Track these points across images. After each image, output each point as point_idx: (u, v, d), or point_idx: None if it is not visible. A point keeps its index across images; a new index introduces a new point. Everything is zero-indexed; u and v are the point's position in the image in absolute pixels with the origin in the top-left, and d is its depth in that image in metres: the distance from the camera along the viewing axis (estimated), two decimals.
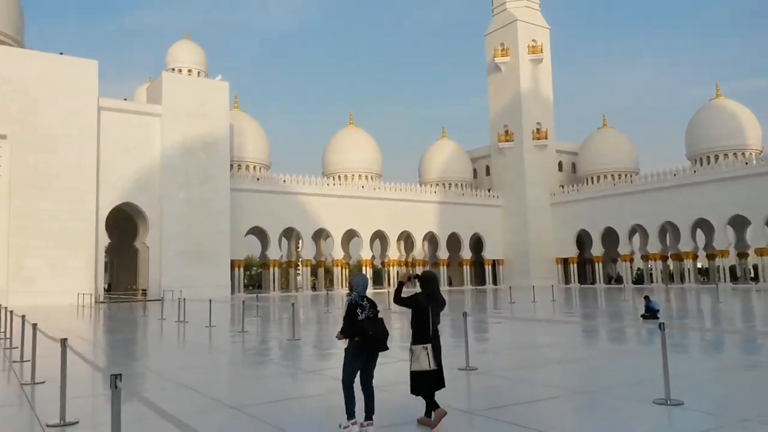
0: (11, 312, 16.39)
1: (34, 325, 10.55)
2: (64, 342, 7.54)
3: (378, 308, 6.62)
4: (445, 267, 69.34)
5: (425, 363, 6.51)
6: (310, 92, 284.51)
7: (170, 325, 21.90)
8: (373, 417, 6.42)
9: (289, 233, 65.26)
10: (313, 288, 69.96)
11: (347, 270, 67.07)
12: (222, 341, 16.88)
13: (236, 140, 60.55)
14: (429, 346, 6.58)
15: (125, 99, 55.01)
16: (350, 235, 67.26)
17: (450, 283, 70.83)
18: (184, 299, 24.46)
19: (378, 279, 76.65)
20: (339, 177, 68.89)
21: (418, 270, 68.44)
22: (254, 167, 63.87)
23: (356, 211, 63.45)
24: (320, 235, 66.18)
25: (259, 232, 61.00)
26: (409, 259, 71.00)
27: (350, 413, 6.33)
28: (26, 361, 11.79)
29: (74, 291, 42.89)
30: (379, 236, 67.97)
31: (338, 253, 63.97)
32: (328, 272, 71.57)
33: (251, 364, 12.80)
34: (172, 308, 27.88)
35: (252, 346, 15.70)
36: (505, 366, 11.55)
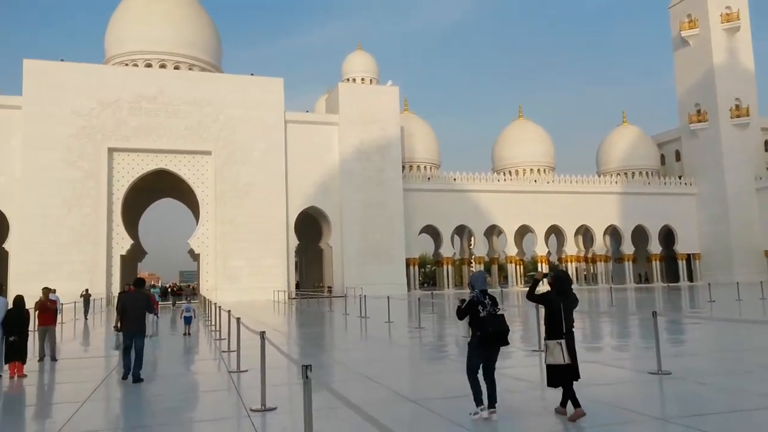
0: (219, 307, 18.55)
1: (238, 319, 11.85)
2: (263, 335, 8.37)
3: (499, 304, 7.05)
4: (630, 263, 64.52)
5: (559, 357, 6.83)
6: (477, 88, 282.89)
7: (353, 320, 23.21)
8: (496, 405, 6.85)
9: (461, 231, 65.49)
10: (487, 284, 69.34)
11: (521, 267, 65.49)
12: (400, 336, 17.47)
13: (407, 142, 62.34)
14: (562, 341, 6.88)
15: (307, 111, 59.53)
16: (523, 231, 65.61)
17: (645, 280, 65.75)
18: (365, 296, 25.77)
19: None
20: (510, 172, 67.56)
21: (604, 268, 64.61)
22: (425, 167, 65.21)
23: (529, 206, 61.73)
24: (492, 231, 65.45)
25: (431, 231, 62.11)
26: (589, 255, 67.26)
27: (478, 401, 6.86)
28: (232, 351, 13.27)
29: (270, 288, 47.55)
30: (555, 231, 65.35)
31: (511, 250, 62.66)
32: (502, 269, 70.52)
33: (429, 359, 13.07)
34: (354, 304, 29.52)
35: (429, 342, 16.02)
36: (704, 371, 10.41)
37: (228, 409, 8.36)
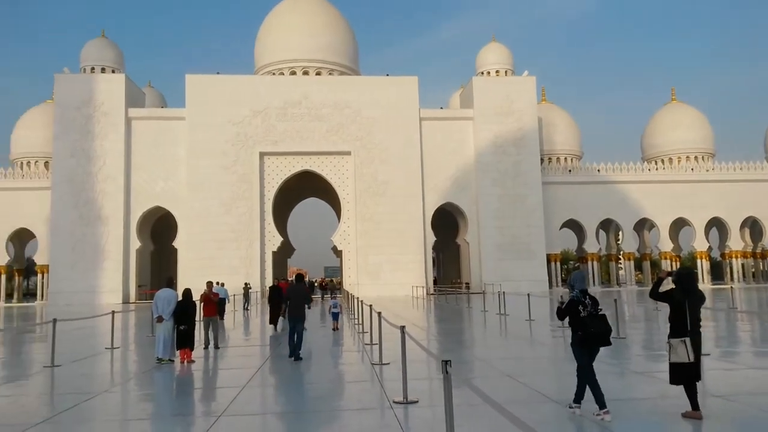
0: (362, 302, 19.24)
1: (379, 314, 12.22)
2: (403, 329, 8.56)
3: (600, 305, 7.10)
4: None
5: (683, 355, 6.76)
6: (621, 72, 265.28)
7: (492, 317, 22.91)
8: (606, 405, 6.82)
9: (608, 225, 61.88)
10: (639, 283, 64.91)
11: (677, 262, 60.42)
12: (542, 335, 16.95)
13: (545, 133, 60.10)
14: (687, 339, 6.80)
15: (441, 107, 59.68)
16: (679, 225, 60.48)
17: None
18: (503, 292, 25.31)
19: (717, 273, 67.13)
20: (662, 160, 62.55)
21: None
22: (565, 158, 62.46)
23: (685, 197, 56.80)
24: (643, 225, 61.11)
25: (574, 225, 59.37)
26: (758, 250, 60.37)
27: (579, 396, 7.11)
28: (374, 344, 13.71)
29: (408, 284, 48.46)
30: (716, 224, 59.49)
31: (666, 245, 58.08)
32: (655, 265, 65.48)
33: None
34: (493, 301, 29.12)
35: None
36: None
37: (372, 399, 8.65)
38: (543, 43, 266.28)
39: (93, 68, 54.52)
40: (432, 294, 48.32)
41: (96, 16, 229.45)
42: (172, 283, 13.35)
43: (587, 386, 7.02)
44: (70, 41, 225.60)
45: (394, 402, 7.98)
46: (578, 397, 7.14)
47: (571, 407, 7.20)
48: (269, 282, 49.92)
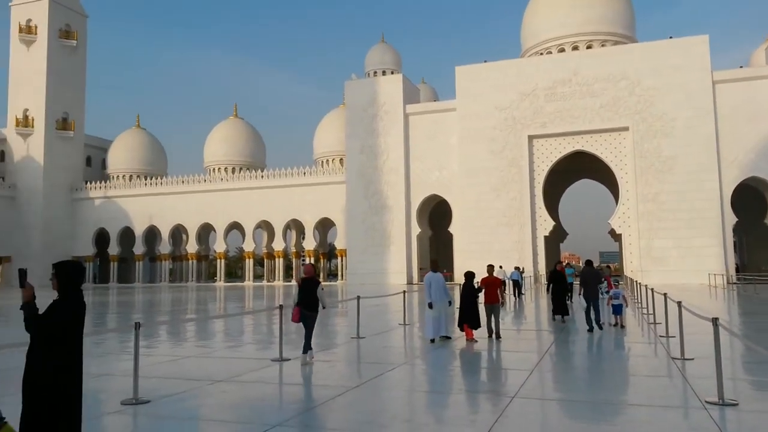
0: (652, 290, 17.57)
1: (679, 303, 10.96)
2: (715, 321, 7.51)
3: None
4: None
5: None
6: None
7: None
8: None
9: None
10: None
11: None
12: None
13: None
14: None
15: (741, 66, 51.07)
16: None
17: None
18: None
19: None
20: None
21: None
22: None
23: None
24: None
25: None
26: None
27: None
28: (671, 336, 12.39)
29: (703, 271, 42.79)
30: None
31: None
32: None
33: None
34: None
35: None
36: None
37: (677, 397, 7.81)
38: None
39: (375, 72, 60.38)
40: (734, 283, 42.01)
41: (375, 25, 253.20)
42: (437, 266, 14.07)
43: None
44: (355, 48, 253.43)
45: (707, 402, 7.05)
46: None
47: None
48: (542, 267, 49.21)
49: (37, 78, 66.40)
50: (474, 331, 13.28)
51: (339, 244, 60.08)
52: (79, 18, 70.98)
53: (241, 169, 70.96)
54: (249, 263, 64.97)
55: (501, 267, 27.59)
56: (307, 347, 10.39)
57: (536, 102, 50.72)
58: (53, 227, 65.90)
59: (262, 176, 63.24)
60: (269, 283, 61.72)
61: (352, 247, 55.76)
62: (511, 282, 28.98)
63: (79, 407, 4.73)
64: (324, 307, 10.70)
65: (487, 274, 14.15)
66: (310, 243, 61.07)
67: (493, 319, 13.52)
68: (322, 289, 10.80)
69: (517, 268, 30.95)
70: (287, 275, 68.72)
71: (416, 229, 54.63)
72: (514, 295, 28.89)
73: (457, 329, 13.93)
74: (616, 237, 51.98)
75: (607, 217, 50.76)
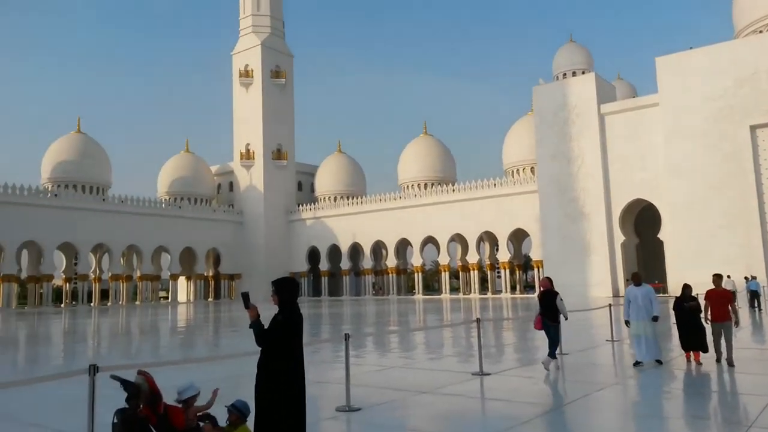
0: None
1: None
2: None
3: None
4: None
5: None
6: None
7: None
8: None
9: None
10: None
11: None
12: None
13: None
14: None
15: None
16: None
17: None
18: None
19: None
20: None
21: None
22: None
23: None
24: None
25: None
26: None
27: None
28: None
29: None
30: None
31: None
32: None
33: None
34: None
35: None
36: None
37: None
38: None
39: (564, 74, 57.98)
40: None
41: (562, 26, 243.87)
42: (639, 279, 12.39)
43: None
44: (542, 52, 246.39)
45: None
46: None
47: None
48: None
49: (254, 116, 75.47)
50: (701, 354, 11.71)
51: (534, 255, 58.35)
52: (286, 58, 79.31)
53: (433, 184, 72.79)
54: (445, 276, 66.11)
55: (729, 276, 24.40)
56: (552, 354, 11.09)
57: (758, 86, 44.33)
58: (273, 247, 73.86)
59: (453, 190, 64.10)
60: (465, 296, 62.08)
61: (549, 258, 53.72)
62: (747, 293, 25.50)
63: (304, 410, 5.22)
64: (566, 318, 11.47)
65: (713, 286, 11.66)
66: (504, 254, 60.25)
67: (723, 341, 11.33)
68: (561, 300, 11.45)
69: (747, 278, 27.19)
70: (483, 288, 68.50)
71: (620, 237, 50.82)
72: (752, 307, 25.38)
73: (676, 350, 12.57)
74: None
75: None
